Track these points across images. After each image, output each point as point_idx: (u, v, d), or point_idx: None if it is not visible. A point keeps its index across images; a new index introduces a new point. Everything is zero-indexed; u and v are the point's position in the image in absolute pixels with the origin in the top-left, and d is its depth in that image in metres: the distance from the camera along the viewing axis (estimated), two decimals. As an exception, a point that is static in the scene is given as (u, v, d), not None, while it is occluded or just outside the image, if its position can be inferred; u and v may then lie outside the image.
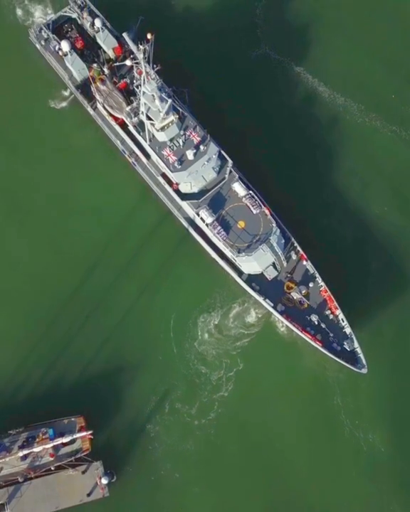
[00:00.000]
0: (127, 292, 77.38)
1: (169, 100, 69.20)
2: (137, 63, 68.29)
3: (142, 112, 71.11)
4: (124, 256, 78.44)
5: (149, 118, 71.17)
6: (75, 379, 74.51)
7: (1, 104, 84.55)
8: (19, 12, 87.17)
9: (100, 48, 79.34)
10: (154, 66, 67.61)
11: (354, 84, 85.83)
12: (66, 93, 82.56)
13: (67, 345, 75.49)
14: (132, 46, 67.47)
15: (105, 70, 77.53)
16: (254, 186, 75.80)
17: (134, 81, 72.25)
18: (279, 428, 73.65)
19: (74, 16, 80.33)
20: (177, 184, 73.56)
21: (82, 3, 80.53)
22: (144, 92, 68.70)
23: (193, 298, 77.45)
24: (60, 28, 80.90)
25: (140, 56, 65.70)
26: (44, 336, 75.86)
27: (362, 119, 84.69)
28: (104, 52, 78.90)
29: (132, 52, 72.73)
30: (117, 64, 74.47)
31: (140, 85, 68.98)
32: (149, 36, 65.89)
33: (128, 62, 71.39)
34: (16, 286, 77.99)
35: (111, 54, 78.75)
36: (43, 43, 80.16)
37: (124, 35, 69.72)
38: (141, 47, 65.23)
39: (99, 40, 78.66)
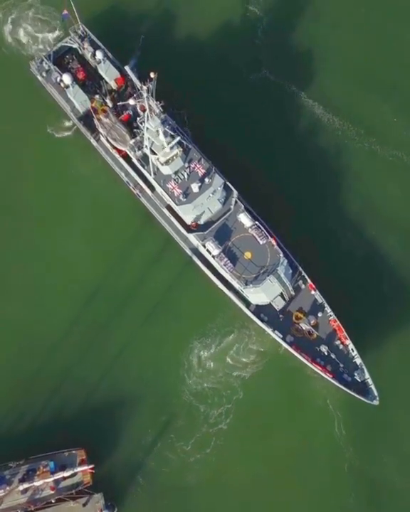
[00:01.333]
0: (127, 321, 76.89)
1: (177, 137, 68.67)
2: (140, 101, 67.70)
3: (146, 146, 70.55)
4: (124, 284, 77.97)
5: (153, 152, 70.63)
6: (75, 410, 74.15)
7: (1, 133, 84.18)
8: (23, 39, 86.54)
9: (101, 78, 78.69)
10: (158, 102, 67.03)
11: (354, 107, 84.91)
12: (69, 124, 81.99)
13: (66, 376, 75.09)
14: (136, 82, 67.03)
15: (108, 101, 76.99)
16: (259, 214, 75.17)
17: (138, 117, 71.44)
18: (281, 460, 72.79)
19: (75, 46, 79.68)
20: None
21: (83, 33, 79.98)
22: (147, 128, 68.09)
23: (194, 327, 76.91)
24: (61, 58, 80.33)
25: (144, 94, 65.22)
26: (43, 367, 75.62)
27: (361, 144, 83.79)
28: (106, 82, 78.22)
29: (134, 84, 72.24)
30: (121, 103, 73.70)
31: (144, 121, 68.33)
32: (152, 75, 65.63)
33: (131, 102, 70.94)
34: (15, 314, 77.54)
35: (113, 85, 78.28)
36: (44, 74, 79.66)
37: (127, 68, 69.30)
38: (144, 87, 64.72)
39: (101, 71, 78.15)
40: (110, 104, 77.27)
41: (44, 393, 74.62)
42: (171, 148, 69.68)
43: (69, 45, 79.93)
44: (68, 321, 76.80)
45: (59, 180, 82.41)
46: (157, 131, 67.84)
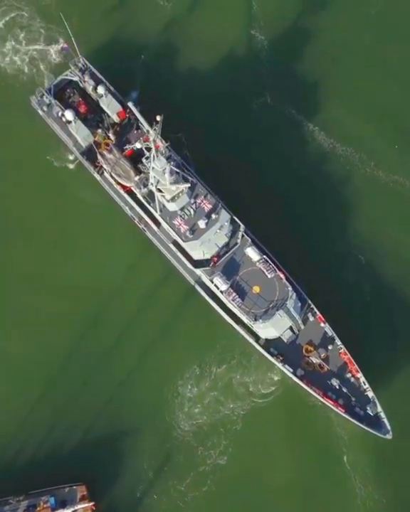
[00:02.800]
0: (126, 352, 76.32)
1: (185, 183, 68.65)
2: (147, 147, 67.11)
3: (152, 184, 69.84)
4: (124, 315, 77.26)
5: (158, 190, 69.96)
6: (76, 444, 73.50)
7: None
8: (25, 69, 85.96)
9: (103, 111, 77.90)
10: (165, 143, 66.40)
11: (356, 133, 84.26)
12: (71, 157, 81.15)
13: (66, 409, 74.34)
14: (143, 124, 66.35)
15: (110, 135, 76.24)
16: (265, 246, 74.67)
17: (143, 157, 70.72)
18: (285, 496, 72.11)
19: (75, 79, 78.83)
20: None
21: (84, 66, 79.05)
22: (153, 167, 67.41)
23: (196, 359, 76.33)
24: (61, 91, 79.37)
25: (151, 138, 64.57)
26: (42, 400, 74.86)
27: (363, 169, 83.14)
28: (109, 116, 77.41)
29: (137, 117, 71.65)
30: (128, 147, 72.94)
31: (150, 161, 67.67)
32: (158, 118, 65.03)
33: (138, 145, 70.22)
34: (12, 348, 76.83)
35: (115, 118, 77.41)
36: (45, 108, 78.77)
37: (131, 106, 68.36)
38: (151, 131, 64.10)
39: (102, 105, 77.33)
40: (113, 138, 76.47)
41: (44, 426, 73.90)
42: (177, 184, 69.02)
43: (69, 78, 78.91)
44: (67, 352, 76.15)
45: (62, 211, 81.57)
46: (163, 171, 67.05)
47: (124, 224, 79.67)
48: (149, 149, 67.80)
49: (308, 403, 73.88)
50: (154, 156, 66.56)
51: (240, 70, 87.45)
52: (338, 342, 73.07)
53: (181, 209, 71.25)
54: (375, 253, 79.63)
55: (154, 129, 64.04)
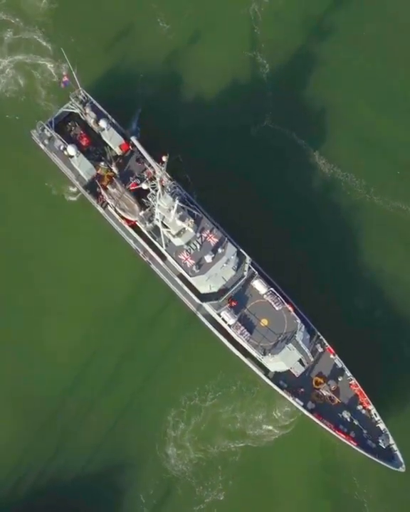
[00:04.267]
0: (125, 384, 75.47)
1: (193, 216, 68.45)
2: (153, 187, 66.63)
3: (157, 220, 69.15)
4: (123, 345, 76.51)
5: (164, 225, 69.31)
6: (72, 478, 72.87)
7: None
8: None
9: (105, 144, 77.20)
10: (171, 182, 65.88)
11: (357, 158, 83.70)
12: (74, 189, 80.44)
13: (64, 444, 73.92)
14: (151, 162, 65.86)
15: (113, 168, 75.58)
16: (271, 275, 74.12)
17: (148, 194, 70.13)
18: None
19: (76, 111, 78.13)
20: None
21: (84, 98, 78.35)
22: (159, 205, 66.79)
23: (196, 388, 75.50)
24: (62, 124, 78.64)
25: (157, 178, 64.35)
26: (39, 435, 74.27)
27: (363, 196, 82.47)
28: (111, 149, 76.73)
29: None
30: (134, 188, 72.39)
31: (156, 199, 67.08)
32: (164, 159, 64.72)
33: (144, 186, 69.44)
34: (9, 381, 76.25)
35: (118, 151, 76.71)
36: (46, 142, 77.99)
37: (134, 140, 67.83)
38: (158, 172, 63.51)
39: (105, 138, 76.66)
40: (116, 171, 75.79)
41: (39, 462, 73.42)
42: (183, 219, 68.60)
43: (70, 110, 78.19)
44: (65, 385, 75.57)
45: (63, 242, 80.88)
46: (169, 209, 66.45)
47: (125, 251, 78.94)
48: (155, 187, 67.10)
49: (315, 434, 73.13)
50: (159, 195, 65.86)
51: (241, 94, 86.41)
52: (348, 373, 72.46)
53: (187, 243, 70.58)
54: (382, 280, 78.90)
55: (160, 169, 63.31)
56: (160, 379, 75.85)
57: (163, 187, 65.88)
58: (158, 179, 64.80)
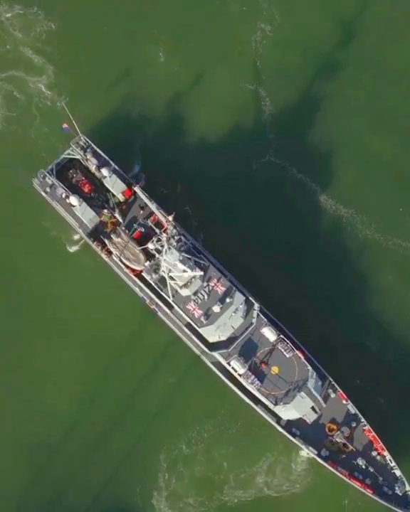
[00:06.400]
0: (127, 427, 74.87)
1: (200, 266, 67.92)
2: (160, 245, 65.77)
3: (163, 272, 68.13)
4: (124, 389, 75.78)
5: (171, 277, 68.30)
6: None
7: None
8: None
9: (108, 190, 76.21)
10: (177, 237, 65.01)
11: (358, 194, 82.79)
12: (77, 237, 79.39)
13: (65, 489, 73.28)
14: (160, 216, 65.08)
15: (117, 215, 74.65)
16: (280, 320, 73.24)
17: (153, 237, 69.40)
18: None
19: (77, 157, 77.11)
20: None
21: (85, 144, 77.33)
22: (165, 259, 65.82)
23: (196, 430, 74.93)
24: (64, 170, 77.60)
25: (164, 239, 63.74)
26: (37, 480, 73.67)
27: (365, 232, 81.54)
28: (114, 196, 75.77)
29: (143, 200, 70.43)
30: (141, 248, 71.75)
31: (161, 253, 66.19)
32: (170, 218, 63.78)
33: (151, 246, 68.42)
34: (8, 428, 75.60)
35: (120, 197, 75.77)
36: (48, 189, 76.89)
37: (136, 189, 67.18)
38: (164, 235, 62.91)
39: (107, 185, 75.65)
40: (119, 217, 74.85)
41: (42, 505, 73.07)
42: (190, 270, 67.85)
43: (71, 156, 77.16)
44: (66, 428, 74.89)
45: (68, 292, 80.00)
46: (175, 263, 65.59)
47: (130, 297, 77.94)
48: (160, 242, 66.29)
49: (325, 478, 72.24)
50: (166, 250, 64.90)
51: (242, 128, 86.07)
52: (362, 419, 71.36)
53: (195, 293, 69.57)
54: (392, 321, 77.93)
55: (167, 229, 62.56)
56: (160, 424, 75.08)
57: (169, 241, 64.82)
58: (164, 239, 63.75)
